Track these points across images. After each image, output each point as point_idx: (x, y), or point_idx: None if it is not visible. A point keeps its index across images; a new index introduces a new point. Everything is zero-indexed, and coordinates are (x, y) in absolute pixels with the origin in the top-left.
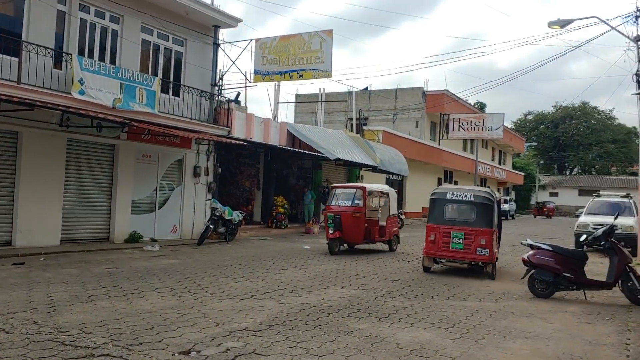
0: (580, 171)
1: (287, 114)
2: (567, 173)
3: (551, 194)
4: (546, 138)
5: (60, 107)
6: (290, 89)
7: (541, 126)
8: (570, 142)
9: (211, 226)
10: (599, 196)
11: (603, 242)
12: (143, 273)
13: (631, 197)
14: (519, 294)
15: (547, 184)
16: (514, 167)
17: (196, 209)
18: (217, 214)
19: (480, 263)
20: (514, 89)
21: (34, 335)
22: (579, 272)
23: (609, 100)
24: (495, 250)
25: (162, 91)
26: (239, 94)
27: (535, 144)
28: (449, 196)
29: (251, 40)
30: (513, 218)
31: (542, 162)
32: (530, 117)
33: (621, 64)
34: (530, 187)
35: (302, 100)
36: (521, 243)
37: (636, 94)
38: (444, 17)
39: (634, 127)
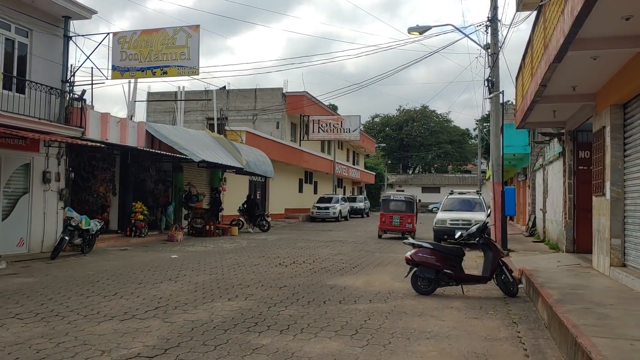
0: (421, 170)
1: (140, 114)
2: (410, 172)
3: (398, 191)
4: (392, 139)
5: None
6: (143, 86)
7: (387, 128)
8: (413, 143)
9: (66, 237)
10: (452, 193)
11: (477, 239)
12: None
13: (480, 194)
14: (403, 292)
15: (395, 182)
16: (366, 167)
17: (47, 219)
18: (72, 223)
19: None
20: (362, 91)
21: None
22: (457, 267)
23: (444, 104)
24: (415, 225)
25: (4, 88)
26: (84, 91)
27: (384, 144)
28: (391, 197)
29: (108, 33)
30: (367, 215)
31: (389, 162)
32: (377, 119)
33: (457, 70)
34: (380, 185)
35: (157, 99)
36: (403, 242)
37: (488, 98)
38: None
39: (467, 129)
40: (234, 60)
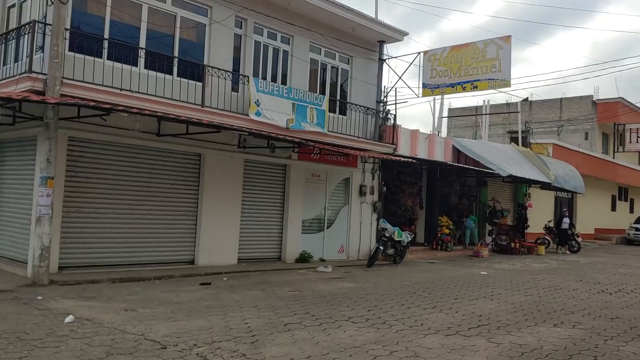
0: None
1: (442, 130)
2: None
3: None
4: None
5: (244, 129)
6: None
7: None
8: None
9: (381, 247)
10: None
11: None
12: (327, 298)
13: None
14: None
15: None
16: None
17: (362, 229)
18: (386, 234)
19: None
20: None
21: None
22: None
23: None
24: None
25: (330, 111)
26: (388, 111)
27: None
28: None
29: (419, 53)
30: None
31: None
32: None
33: None
34: None
35: (459, 114)
36: None
37: None
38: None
39: None
40: (531, 71)
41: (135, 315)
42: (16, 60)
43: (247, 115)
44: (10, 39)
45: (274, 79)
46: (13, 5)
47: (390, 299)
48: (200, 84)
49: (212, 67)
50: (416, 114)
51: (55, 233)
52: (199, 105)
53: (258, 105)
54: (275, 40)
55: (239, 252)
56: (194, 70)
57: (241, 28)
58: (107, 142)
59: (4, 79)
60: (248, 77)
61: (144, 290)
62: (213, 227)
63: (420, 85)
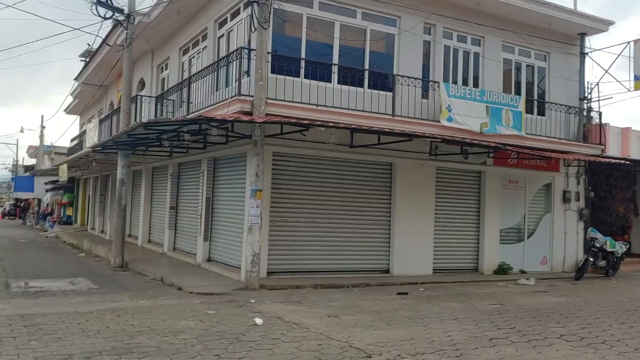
0: None
1: None
2: None
3: None
4: None
5: (437, 136)
6: None
7: None
8: None
9: (590, 259)
10: None
11: None
12: (533, 312)
13: None
14: None
15: None
16: None
17: (567, 239)
18: (597, 245)
19: None
20: None
21: None
22: None
23: None
24: None
25: (526, 112)
26: (591, 109)
27: None
28: None
29: (628, 42)
30: None
31: None
32: None
33: None
34: None
35: None
36: None
37: None
38: None
39: None
40: None
41: (338, 322)
42: (226, 85)
43: (438, 121)
44: (221, 66)
45: (465, 83)
46: (222, 36)
47: (607, 316)
48: (390, 93)
49: (402, 76)
50: (625, 110)
51: (264, 241)
52: (389, 115)
53: (450, 111)
54: (465, 42)
55: (433, 262)
56: (383, 80)
57: (430, 34)
58: (306, 155)
59: (217, 103)
60: (438, 82)
61: (344, 297)
62: (406, 236)
63: (632, 78)
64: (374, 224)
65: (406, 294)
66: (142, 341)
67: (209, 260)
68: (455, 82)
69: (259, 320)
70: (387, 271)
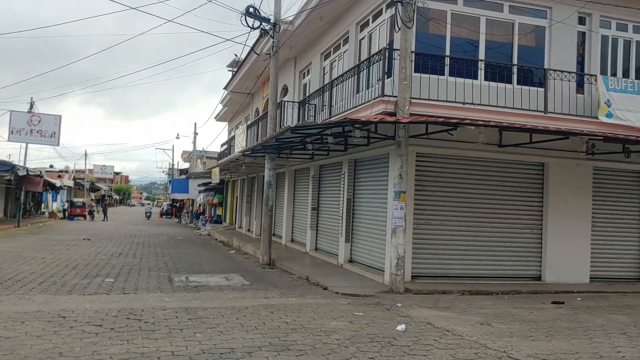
0: None
1: None
2: None
3: None
4: None
5: (597, 134)
6: None
7: None
8: None
9: None
10: None
11: None
12: None
13: None
14: None
15: None
16: None
17: None
18: None
19: None
20: None
21: None
22: None
23: None
24: None
25: None
26: None
27: None
28: None
29: None
30: None
31: None
32: None
33: None
34: None
35: None
36: None
37: None
38: None
39: None
40: None
41: (491, 330)
42: (368, 86)
43: (596, 117)
44: (363, 68)
45: (625, 75)
46: (363, 38)
47: None
48: (542, 89)
49: (554, 70)
50: None
51: (408, 244)
52: (541, 111)
53: (609, 106)
54: (626, 31)
55: (590, 270)
56: (534, 76)
57: (585, 24)
58: (451, 156)
59: (359, 105)
60: (595, 76)
61: (494, 305)
62: (560, 241)
63: None
64: (524, 228)
65: (562, 303)
66: (297, 339)
67: (350, 261)
68: (614, 74)
69: (401, 327)
70: (539, 278)
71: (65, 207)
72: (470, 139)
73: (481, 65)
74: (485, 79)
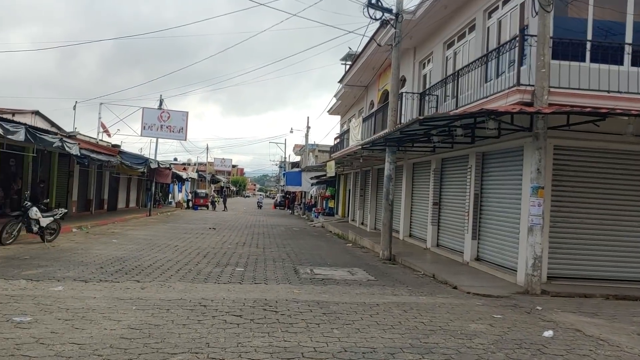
0: None
1: None
2: None
3: None
4: None
5: None
6: None
7: None
8: None
9: None
10: None
11: None
12: None
13: None
14: None
15: None
16: None
17: None
18: None
19: None
20: None
21: None
22: None
23: None
24: None
25: None
26: None
27: None
28: None
29: None
30: None
31: None
32: None
33: None
34: None
35: None
36: None
37: None
38: None
39: None
40: None
41: None
42: (497, 76)
43: None
44: (492, 57)
45: None
46: (492, 25)
47: None
48: None
49: None
50: None
51: (544, 243)
52: None
53: None
54: None
55: None
56: None
57: None
58: (593, 148)
59: (489, 96)
60: None
61: None
62: None
63: None
64: None
65: None
66: (438, 341)
67: (477, 259)
68: None
69: (548, 333)
70: None
71: (190, 197)
72: (615, 131)
73: (628, 49)
74: (633, 64)
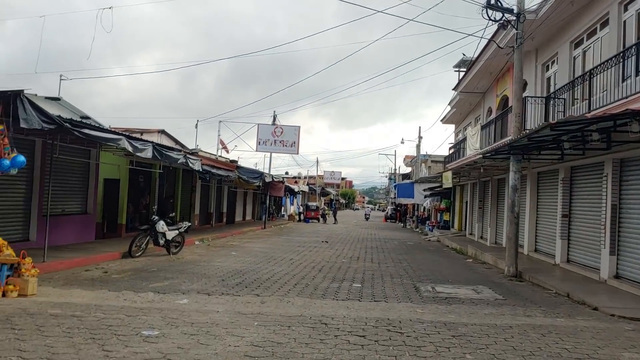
0: None
1: None
2: None
3: None
4: None
5: None
6: None
7: None
8: None
9: None
10: None
11: None
12: None
13: None
14: None
15: None
16: None
17: None
18: None
19: None
20: None
21: None
22: None
23: None
24: None
25: None
26: None
27: None
28: None
29: None
30: None
31: None
32: None
33: None
34: None
35: None
36: None
37: None
38: None
39: None
40: None
41: None
42: (638, 73)
43: None
44: (631, 54)
45: None
46: (629, 17)
47: None
48: None
49: None
50: None
51: None
52: None
53: None
54: None
55: None
56: None
57: None
58: None
59: (630, 96)
60: None
61: None
62: None
63: None
64: None
65: None
66: None
67: (616, 276)
68: None
69: None
70: None
71: (301, 210)
72: None
73: None
74: None
